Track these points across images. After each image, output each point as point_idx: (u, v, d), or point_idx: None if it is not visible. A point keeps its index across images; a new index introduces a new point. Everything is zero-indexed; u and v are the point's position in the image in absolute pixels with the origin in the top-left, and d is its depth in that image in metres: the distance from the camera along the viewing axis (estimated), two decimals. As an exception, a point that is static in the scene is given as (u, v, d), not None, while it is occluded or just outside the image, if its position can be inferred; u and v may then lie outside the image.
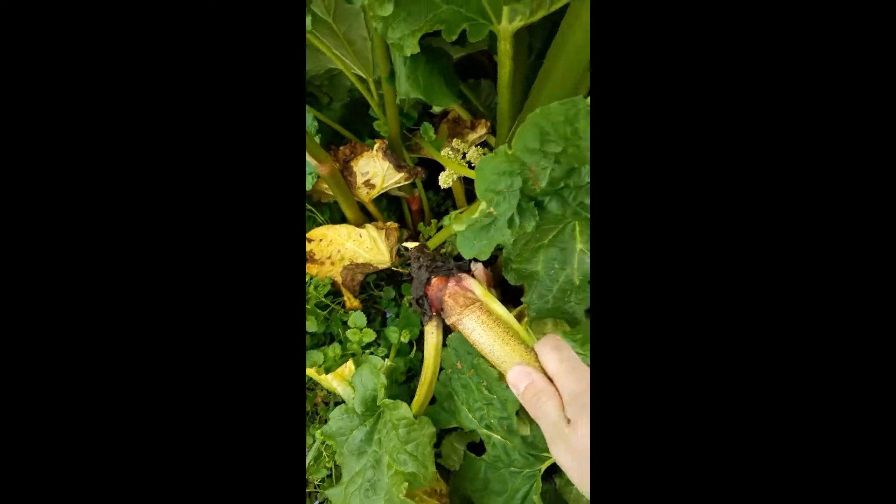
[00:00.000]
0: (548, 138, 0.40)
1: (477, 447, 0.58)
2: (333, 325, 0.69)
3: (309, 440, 0.68)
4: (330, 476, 0.67)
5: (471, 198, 0.78)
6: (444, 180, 0.65)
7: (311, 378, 0.69)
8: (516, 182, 0.41)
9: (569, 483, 0.59)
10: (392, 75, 0.60)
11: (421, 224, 0.78)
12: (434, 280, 0.47)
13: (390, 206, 0.82)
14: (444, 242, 0.69)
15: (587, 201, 0.42)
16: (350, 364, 0.58)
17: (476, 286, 0.48)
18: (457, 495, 0.56)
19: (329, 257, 0.72)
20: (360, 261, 0.71)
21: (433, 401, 0.57)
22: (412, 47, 0.50)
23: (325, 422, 0.62)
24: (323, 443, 0.66)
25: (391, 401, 0.51)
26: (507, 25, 0.53)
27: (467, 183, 0.74)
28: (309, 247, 0.72)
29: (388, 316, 0.71)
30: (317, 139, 0.66)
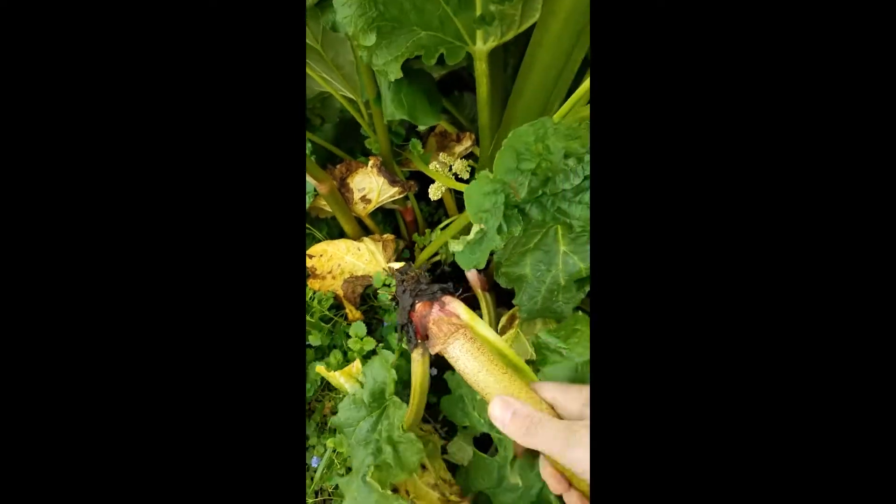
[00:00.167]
0: (523, 157, 0.44)
1: (482, 440, 0.61)
2: (338, 336, 0.71)
3: (320, 449, 0.71)
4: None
5: (461, 205, 0.81)
6: (434, 193, 0.69)
7: (318, 388, 0.73)
8: (500, 199, 0.45)
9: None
10: (379, 97, 0.64)
11: (416, 234, 0.81)
12: (418, 305, 0.45)
13: (386, 219, 0.85)
14: (437, 252, 0.73)
15: (564, 206, 0.45)
16: (357, 363, 0.61)
17: (461, 309, 0.45)
18: (470, 492, 0.57)
19: (330, 272, 0.75)
20: (360, 273, 0.74)
21: (448, 391, 0.59)
22: (395, 72, 0.54)
23: (335, 432, 0.64)
24: (334, 450, 0.69)
25: (398, 400, 0.53)
26: (482, 46, 0.56)
27: (457, 192, 0.77)
28: (310, 263, 0.75)
29: (384, 325, 0.73)
30: (312, 159, 0.70)
